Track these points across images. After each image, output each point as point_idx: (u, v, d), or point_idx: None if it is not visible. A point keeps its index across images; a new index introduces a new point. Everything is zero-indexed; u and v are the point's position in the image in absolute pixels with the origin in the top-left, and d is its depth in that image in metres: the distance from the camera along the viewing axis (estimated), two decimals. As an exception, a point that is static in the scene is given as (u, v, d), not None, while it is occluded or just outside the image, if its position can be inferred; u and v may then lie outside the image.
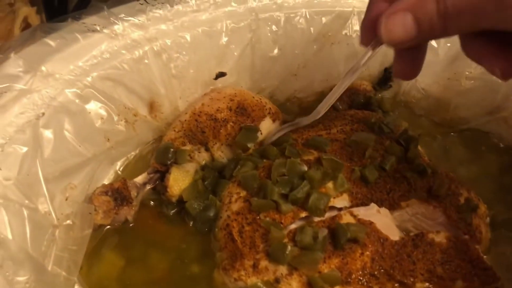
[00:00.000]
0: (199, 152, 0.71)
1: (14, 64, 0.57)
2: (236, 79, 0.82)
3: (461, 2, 0.42)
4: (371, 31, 0.52)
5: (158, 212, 0.68)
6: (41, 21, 1.10)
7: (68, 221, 0.57)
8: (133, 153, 0.75)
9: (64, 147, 0.60)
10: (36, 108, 0.57)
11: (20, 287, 0.44)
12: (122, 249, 0.64)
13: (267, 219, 0.60)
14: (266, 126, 0.75)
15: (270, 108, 0.77)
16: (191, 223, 0.66)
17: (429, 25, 0.45)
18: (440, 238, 0.59)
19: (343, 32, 0.84)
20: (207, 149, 0.72)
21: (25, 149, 0.54)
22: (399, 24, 0.46)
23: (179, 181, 0.67)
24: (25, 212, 0.50)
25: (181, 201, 0.67)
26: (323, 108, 0.66)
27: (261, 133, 0.74)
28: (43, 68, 0.59)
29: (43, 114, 0.57)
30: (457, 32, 0.47)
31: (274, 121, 0.76)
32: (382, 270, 0.56)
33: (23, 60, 0.58)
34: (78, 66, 0.63)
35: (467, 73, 0.84)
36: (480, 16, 0.42)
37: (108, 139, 0.67)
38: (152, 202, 0.69)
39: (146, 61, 0.70)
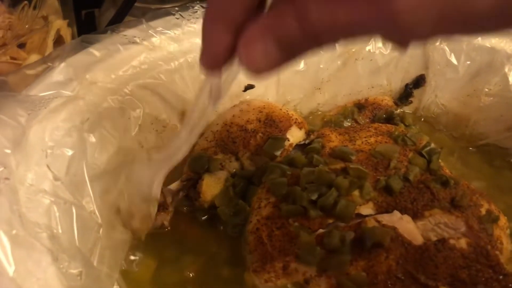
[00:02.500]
0: (230, 162, 0.74)
1: (63, 72, 0.61)
2: (263, 91, 0.85)
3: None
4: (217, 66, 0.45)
5: (190, 217, 0.71)
6: (72, 33, 1.14)
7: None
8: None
9: (106, 151, 0.63)
10: (81, 114, 0.60)
11: (72, 279, 0.47)
12: (156, 253, 0.67)
13: (296, 224, 0.63)
14: (293, 134, 0.78)
15: (296, 118, 0.80)
16: (222, 227, 0.69)
17: (294, 46, 0.36)
18: (461, 244, 0.62)
19: (367, 49, 0.88)
20: (237, 159, 0.75)
21: (71, 152, 0.57)
22: (261, 54, 0.37)
23: (211, 187, 0.70)
24: (74, 210, 0.53)
25: (212, 207, 0.70)
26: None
27: (289, 140, 0.77)
28: (87, 76, 0.63)
29: (88, 119, 0.61)
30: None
31: (300, 129, 0.80)
32: (406, 273, 0.58)
33: (70, 68, 0.62)
34: (119, 76, 0.66)
35: (486, 90, 0.87)
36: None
37: (142, 146, 0.71)
38: (185, 208, 0.72)
39: (180, 72, 0.73)
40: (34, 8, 1.08)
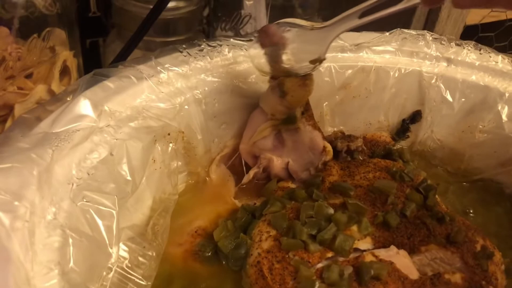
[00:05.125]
0: None
1: (82, 105, 0.63)
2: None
3: None
4: None
5: (195, 252, 0.72)
6: (78, 64, 1.17)
7: (126, 262, 0.61)
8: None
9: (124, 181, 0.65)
10: (106, 143, 0.63)
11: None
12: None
13: (296, 257, 0.65)
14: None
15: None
16: (224, 261, 0.71)
17: None
18: (456, 278, 0.64)
19: (364, 86, 0.91)
20: None
21: (98, 183, 0.59)
22: None
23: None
24: (90, 247, 0.54)
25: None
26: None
27: None
28: (106, 108, 0.65)
29: (111, 149, 0.63)
30: None
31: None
32: (403, 308, 0.60)
33: (88, 101, 0.63)
34: (135, 105, 0.69)
35: (480, 126, 0.90)
36: None
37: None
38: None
39: (186, 107, 0.76)
40: (43, 40, 1.11)
